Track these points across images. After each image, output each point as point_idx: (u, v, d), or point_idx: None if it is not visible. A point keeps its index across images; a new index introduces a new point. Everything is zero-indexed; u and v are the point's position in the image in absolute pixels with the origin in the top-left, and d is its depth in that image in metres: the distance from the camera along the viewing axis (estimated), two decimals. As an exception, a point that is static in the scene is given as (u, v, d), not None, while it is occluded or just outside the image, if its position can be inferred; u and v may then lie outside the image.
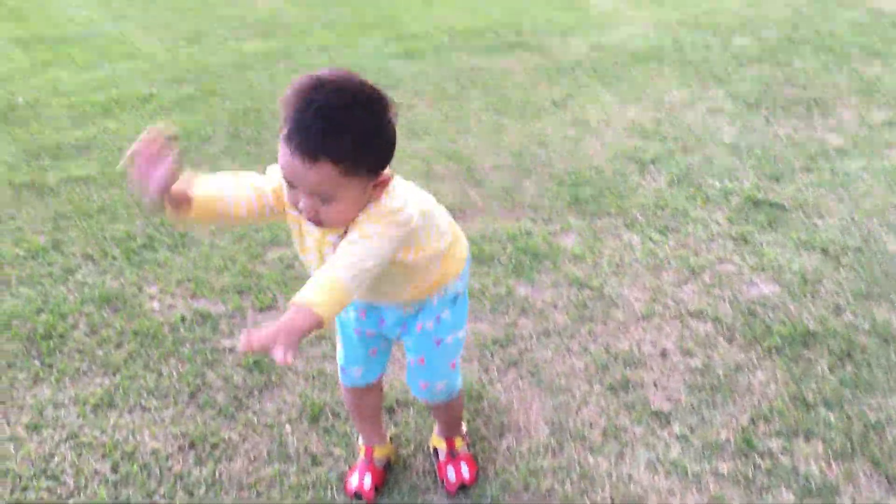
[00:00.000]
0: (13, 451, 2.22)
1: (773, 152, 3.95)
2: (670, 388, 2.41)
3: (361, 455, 2.12)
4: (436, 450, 2.15)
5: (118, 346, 2.64)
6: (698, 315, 2.74)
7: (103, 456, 2.20)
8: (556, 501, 2.03)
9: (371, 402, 2.08)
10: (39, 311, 2.81)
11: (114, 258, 3.14)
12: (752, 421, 2.27)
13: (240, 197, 1.58)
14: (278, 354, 1.27)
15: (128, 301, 2.87)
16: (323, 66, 1.50)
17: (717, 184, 3.65)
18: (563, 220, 3.38)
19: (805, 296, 2.82)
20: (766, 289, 2.88)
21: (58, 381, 2.49)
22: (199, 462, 2.17)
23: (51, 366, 2.55)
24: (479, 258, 3.07)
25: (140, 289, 2.95)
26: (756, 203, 3.46)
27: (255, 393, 2.42)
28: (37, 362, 2.57)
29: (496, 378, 2.47)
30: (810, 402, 2.32)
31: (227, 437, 2.26)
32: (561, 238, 3.24)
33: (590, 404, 2.35)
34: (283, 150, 1.43)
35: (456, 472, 2.08)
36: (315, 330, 1.37)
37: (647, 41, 5.83)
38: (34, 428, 2.30)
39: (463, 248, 1.89)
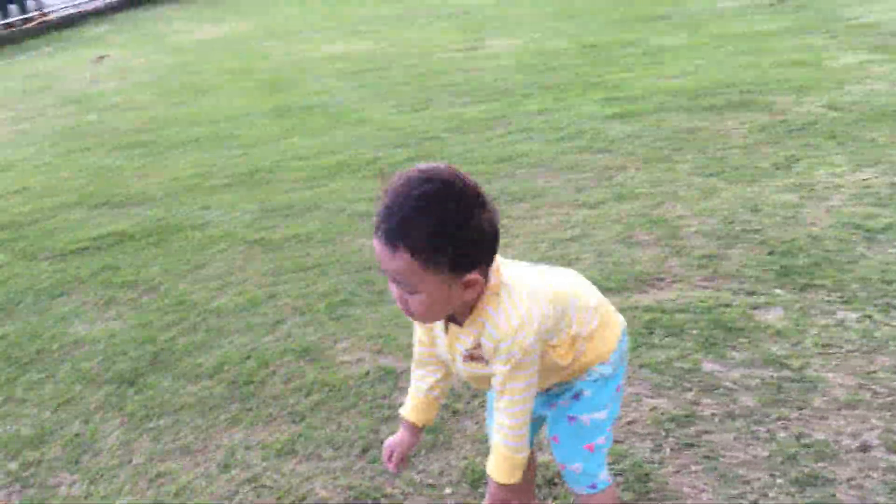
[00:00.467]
0: (203, 486, 2.44)
1: None
2: (866, 487, 2.14)
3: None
4: None
5: (307, 395, 2.83)
6: (915, 409, 2.42)
7: (278, 499, 2.35)
8: None
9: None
10: (247, 358, 3.09)
11: (317, 311, 3.39)
12: (967, 539, 1.95)
13: (434, 387, 1.86)
14: None
15: (322, 353, 3.08)
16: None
17: (961, 259, 3.22)
18: (769, 292, 3.15)
19: None
20: None
21: (251, 425, 2.71)
22: (363, 515, 2.26)
23: (249, 409, 2.79)
24: (668, 329, 2.94)
25: (335, 341, 3.15)
26: None
27: (423, 452, 2.48)
28: (236, 406, 2.82)
29: (667, 459, 2.34)
30: None
31: (389, 492, 2.33)
32: (762, 313, 3.02)
33: (769, 499, 2.15)
34: (374, 241, 1.51)
35: None
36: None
37: (893, 96, 5.32)
38: (224, 467, 2.52)
39: (615, 331, 1.81)
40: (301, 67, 8.93)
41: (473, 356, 1.66)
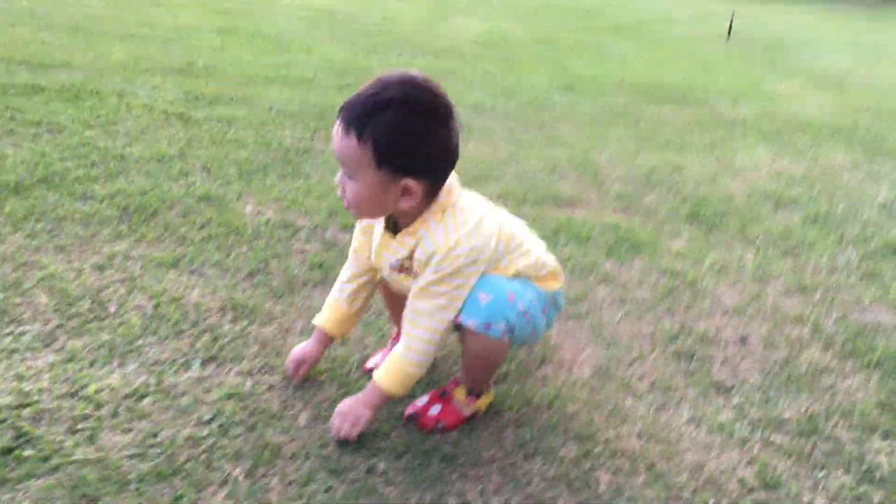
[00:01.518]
0: (72, 277, 2.30)
1: (933, 217, 3.58)
2: (741, 368, 2.16)
3: (389, 341, 2.03)
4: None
5: (201, 227, 2.72)
6: (797, 320, 2.47)
7: (150, 297, 2.23)
8: (578, 425, 1.84)
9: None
10: (144, 193, 2.96)
11: (227, 173, 3.27)
12: (826, 412, 1.98)
13: (355, 297, 1.86)
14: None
15: (226, 203, 2.96)
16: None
17: (857, 229, 3.33)
18: (676, 227, 3.19)
19: (929, 330, 2.47)
20: (884, 317, 2.56)
21: (136, 242, 2.58)
22: (234, 320, 2.16)
23: (135, 230, 2.66)
24: (574, 236, 2.95)
25: (240, 197, 3.04)
26: (897, 250, 3.12)
27: (310, 285, 2.40)
28: (123, 226, 2.68)
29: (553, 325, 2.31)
30: (902, 412, 2.00)
31: (268, 308, 2.24)
32: (667, 239, 3.06)
33: (646, 362, 2.15)
34: (336, 123, 1.55)
35: (436, 414, 1.79)
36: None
37: (820, 115, 5.54)
38: (98, 267, 2.38)
39: (551, 285, 1.80)
40: (260, 4, 8.77)
41: (403, 267, 1.66)
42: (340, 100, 1.57)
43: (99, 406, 1.74)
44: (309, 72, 5.42)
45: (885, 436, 1.89)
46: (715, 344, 2.28)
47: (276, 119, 4.16)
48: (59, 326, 2.04)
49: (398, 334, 2.01)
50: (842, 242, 3.18)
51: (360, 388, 1.87)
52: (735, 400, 2.00)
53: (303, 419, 1.78)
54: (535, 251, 1.77)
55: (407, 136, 1.49)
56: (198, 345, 2.02)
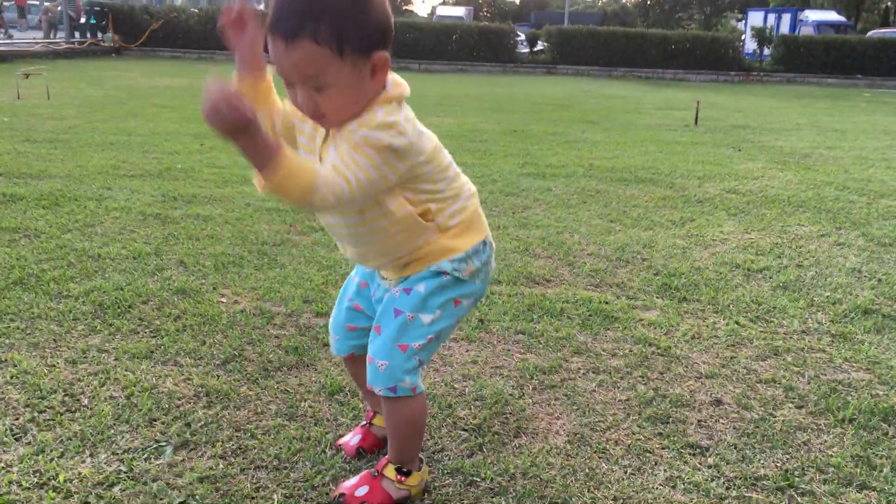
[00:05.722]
0: (45, 373, 2.30)
1: (899, 279, 3.65)
2: (715, 428, 2.17)
3: (364, 420, 2.02)
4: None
5: (176, 318, 2.74)
6: (769, 382, 2.49)
7: (123, 388, 2.23)
8: (554, 491, 1.83)
9: (362, 372, 1.84)
10: (119, 289, 2.98)
11: (203, 266, 3.31)
12: (802, 468, 1.98)
13: (276, 108, 1.66)
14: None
15: (202, 295, 2.99)
16: None
17: (827, 293, 3.39)
18: (649, 299, 3.24)
19: (901, 385, 2.50)
20: (856, 375, 2.58)
21: (110, 335, 2.59)
22: (208, 406, 2.16)
23: (110, 324, 2.67)
24: (548, 311, 2.98)
25: (215, 288, 3.07)
26: (867, 311, 3.17)
27: (285, 369, 2.41)
28: (98, 321, 2.69)
29: (528, 394, 2.33)
30: (876, 464, 2.00)
31: (242, 392, 2.24)
32: (640, 311, 3.09)
33: (620, 428, 2.15)
34: (270, 43, 1.46)
35: (363, 495, 1.73)
36: (240, 133, 1.36)
37: (786, 191, 5.68)
38: (72, 362, 2.39)
39: (474, 237, 1.69)
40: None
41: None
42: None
43: (69, 495, 1.73)
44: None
45: (861, 488, 1.89)
46: (689, 406, 2.29)
47: (254, 214, 4.23)
48: (31, 420, 2.04)
49: (372, 413, 2.00)
50: (812, 306, 3.23)
51: (333, 467, 1.86)
52: (711, 459, 2.00)
53: (276, 499, 1.76)
54: (465, 190, 1.70)
55: (356, 11, 1.44)
56: (170, 431, 2.01)
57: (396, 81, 1.57)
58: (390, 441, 1.79)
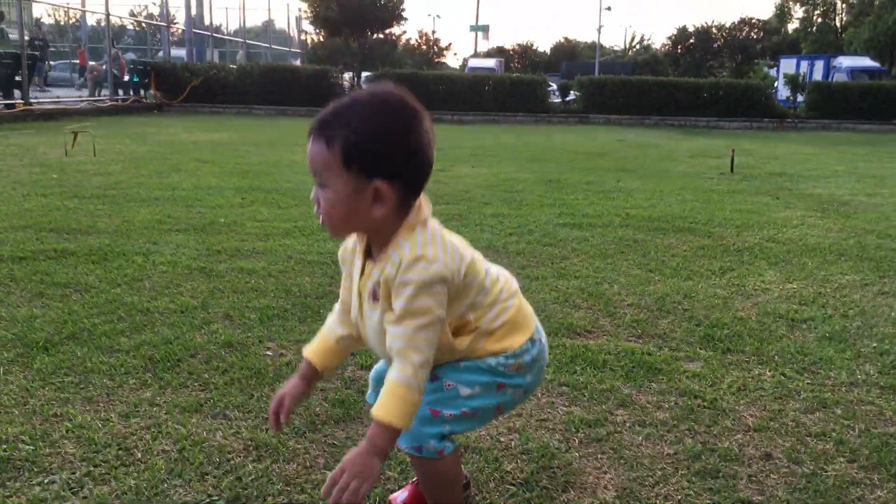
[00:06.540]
0: (100, 426, 2.35)
1: (948, 328, 3.59)
2: (766, 484, 2.14)
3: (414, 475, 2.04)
4: None
5: (224, 372, 2.78)
6: (819, 435, 2.46)
7: (175, 441, 2.27)
8: (602, 549, 1.82)
9: None
10: (168, 342, 3.05)
11: (248, 319, 3.37)
12: (858, 524, 1.95)
13: (344, 339, 1.77)
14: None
15: (248, 348, 3.04)
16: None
17: (874, 344, 3.35)
18: (692, 350, 3.22)
19: (955, 438, 2.45)
20: (909, 428, 2.54)
21: (161, 389, 2.64)
22: (257, 459, 2.19)
23: (160, 378, 2.73)
24: (591, 362, 2.99)
25: (261, 341, 3.12)
26: (917, 363, 3.12)
27: (332, 422, 2.43)
28: (148, 375, 2.75)
29: (575, 447, 2.32)
30: (936, 521, 1.96)
31: (291, 446, 2.26)
32: (684, 362, 3.08)
33: (669, 483, 2.14)
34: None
35: None
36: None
37: (826, 239, 5.64)
38: (125, 416, 2.44)
39: (520, 336, 1.71)
40: (277, 165, 9.20)
41: (374, 294, 1.58)
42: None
43: (125, 549, 1.75)
44: (325, 223, 5.62)
45: (921, 544, 1.86)
46: (739, 461, 2.27)
47: (296, 267, 4.30)
48: (87, 474, 2.08)
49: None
50: (859, 357, 3.19)
51: (384, 520, 1.87)
52: (763, 516, 1.98)
53: (328, 553, 1.77)
54: (506, 291, 1.71)
55: (373, 134, 1.46)
56: (222, 485, 2.04)
57: (417, 206, 1.57)
58: (426, 496, 1.81)
